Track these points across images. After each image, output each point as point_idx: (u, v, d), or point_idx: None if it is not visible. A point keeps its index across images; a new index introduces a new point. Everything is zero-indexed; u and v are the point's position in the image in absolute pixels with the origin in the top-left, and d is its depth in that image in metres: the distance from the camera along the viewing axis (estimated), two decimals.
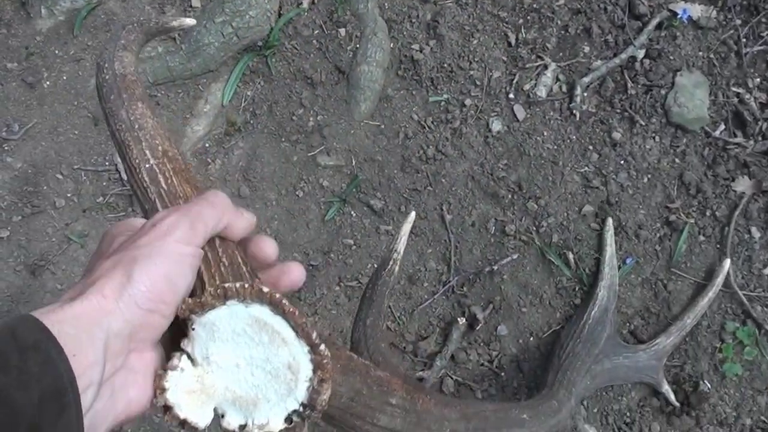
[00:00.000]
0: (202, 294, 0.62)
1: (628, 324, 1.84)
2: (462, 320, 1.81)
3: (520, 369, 1.83)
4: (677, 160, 1.88)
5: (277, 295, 0.60)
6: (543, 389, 1.57)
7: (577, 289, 1.83)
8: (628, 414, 1.82)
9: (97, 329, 0.54)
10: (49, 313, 0.53)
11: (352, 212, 1.87)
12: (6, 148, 1.85)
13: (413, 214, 1.41)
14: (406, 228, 1.39)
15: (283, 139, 1.89)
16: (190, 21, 0.99)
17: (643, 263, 1.84)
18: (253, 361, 0.62)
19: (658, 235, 1.86)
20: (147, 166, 0.75)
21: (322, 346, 0.61)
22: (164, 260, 0.60)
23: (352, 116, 1.89)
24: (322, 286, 1.85)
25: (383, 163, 1.88)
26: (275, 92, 1.91)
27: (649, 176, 1.88)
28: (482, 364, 1.83)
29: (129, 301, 0.57)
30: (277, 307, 0.60)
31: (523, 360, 1.82)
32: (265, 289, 0.60)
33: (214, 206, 0.67)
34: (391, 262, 1.36)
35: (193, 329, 0.62)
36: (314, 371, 0.61)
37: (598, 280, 1.76)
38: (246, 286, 0.60)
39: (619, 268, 1.83)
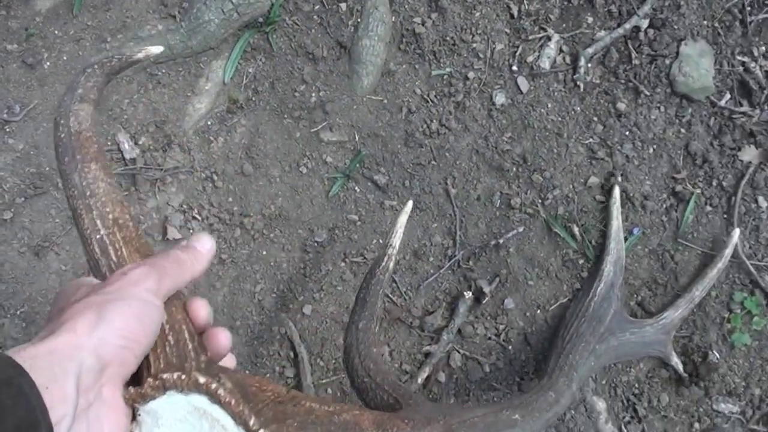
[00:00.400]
0: (144, 384, 0.65)
1: (635, 296, 1.84)
2: (468, 294, 1.81)
3: (527, 342, 1.83)
4: (683, 130, 1.88)
5: (213, 386, 0.65)
6: (543, 377, 1.55)
7: (582, 261, 1.83)
8: (636, 385, 1.82)
9: (69, 363, 0.57)
10: (22, 351, 0.57)
11: (356, 188, 1.87)
12: (8, 129, 1.85)
13: (410, 204, 1.38)
14: (402, 220, 1.36)
15: (285, 116, 1.89)
16: (156, 49, 0.98)
17: (650, 234, 1.84)
18: None
19: (664, 205, 1.86)
20: (98, 236, 0.77)
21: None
22: (136, 303, 0.65)
23: (354, 91, 1.89)
24: (327, 263, 1.85)
25: (386, 138, 1.88)
26: (277, 69, 1.90)
27: (655, 147, 1.87)
28: (489, 338, 1.83)
29: (101, 337, 0.60)
30: (213, 397, 0.65)
31: (530, 333, 1.82)
32: (202, 380, 0.65)
33: (180, 264, 0.73)
34: (386, 258, 1.34)
35: (139, 415, 0.65)
36: None
37: (604, 254, 1.75)
38: (183, 377, 0.65)
39: (626, 239, 1.83)
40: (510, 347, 1.82)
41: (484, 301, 1.82)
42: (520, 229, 1.83)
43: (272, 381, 0.78)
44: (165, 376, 0.65)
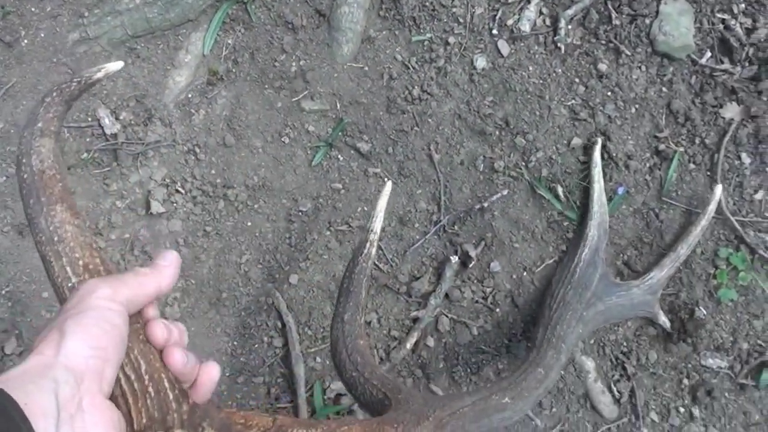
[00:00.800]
0: None
1: (621, 255, 1.85)
2: (455, 258, 1.82)
3: (515, 304, 1.84)
4: (664, 89, 1.89)
5: None
6: (532, 350, 1.55)
7: (567, 223, 1.84)
8: (624, 344, 1.83)
9: (42, 381, 0.59)
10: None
11: (339, 156, 1.88)
12: None
13: (389, 185, 1.37)
14: (382, 204, 1.33)
15: (266, 86, 1.89)
16: (115, 66, 0.94)
17: (635, 193, 1.85)
18: None
19: (647, 164, 1.87)
20: (69, 285, 0.76)
21: None
22: (92, 312, 0.66)
23: (334, 59, 1.89)
24: (313, 232, 1.86)
25: (368, 105, 1.88)
26: (256, 39, 1.90)
27: (637, 106, 1.88)
28: (477, 301, 1.84)
29: (67, 353, 0.61)
30: None
31: (517, 295, 1.83)
32: None
33: (137, 275, 0.74)
34: (367, 245, 1.32)
35: None
36: None
37: (587, 219, 1.76)
38: None
39: (610, 199, 1.84)
40: (497, 309, 1.83)
41: (470, 265, 1.83)
42: (505, 192, 1.84)
43: (259, 413, 0.81)
44: None
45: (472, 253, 1.82)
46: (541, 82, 1.89)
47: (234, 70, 1.91)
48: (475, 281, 1.84)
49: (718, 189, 1.78)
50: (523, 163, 1.86)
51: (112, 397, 0.69)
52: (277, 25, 1.91)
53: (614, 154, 1.85)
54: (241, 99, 1.89)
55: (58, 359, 0.61)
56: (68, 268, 0.76)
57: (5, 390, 0.56)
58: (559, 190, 1.85)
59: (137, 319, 0.75)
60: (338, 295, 1.32)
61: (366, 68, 1.90)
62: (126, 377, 0.70)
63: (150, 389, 0.71)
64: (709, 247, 1.86)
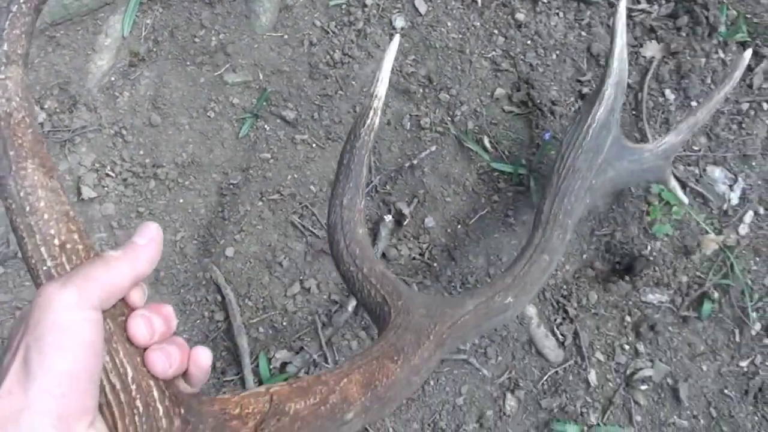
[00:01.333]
0: None
1: None
2: (388, 218, 1.84)
3: (451, 257, 1.86)
4: (583, 33, 1.92)
5: None
6: (537, 226, 1.39)
7: (497, 174, 1.86)
8: (564, 287, 1.85)
9: (15, 429, 0.54)
10: None
11: (266, 126, 1.89)
12: None
13: (397, 38, 1.25)
14: (388, 62, 1.20)
15: (188, 63, 1.91)
16: None
17: (562, 138, 1.87)
18: None
19: (572, 109, 1.89)
20: (44, 268, 0.67)
21: None
22: (56, 334, 0.57)
23: (254, 30, 1.91)
24: (245, 203, 1.87)
25: (291, 73, 1.90)
26: (174, 17, 1.92)
27: (558, 52, 1.91)
28: (414, 258, 1.86)
29: (36, 393, 0.55)
30: None
31: (453, 248, 1.85)
32: None
33: (106, 263, 0.64)
34: (370, 113, 1.18)
35: None
36: None
37: (605, 76, 1.53)
38: None
39: (539, 146, 1.86)
40: (435, 264, 1.85)
41: (405, 223, 1.84)
42: (433, 149, 1.86)
43: (254, 392, 0.76)
44: None
45: (406, 211, 1.84)
46: (460, 36, 1.91)
47: (155, 50, 1.92)
48: (411, 238, 1.86)
49: (748, 53, 1.59)
50: (449, 118, 1.88)
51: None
52: (194, 0, 1.93)
53: (538, 101, 1.88)
54: (164, 78, 1.91)
55: (29, 401, 0.55)
56: (42, 249, 0.66)
57: None
58: (486, 141, 1.87)
59: (121, 310, 0.66)
60: (336, 174, 1.19)
61: (286, 36, 1.92)
62: (111, 386, 0.63)
63: (138, 402, 0.64)
64: (641, 185, 1.88)
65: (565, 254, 1.87)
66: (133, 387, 0.64)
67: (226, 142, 1.89)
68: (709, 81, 1.93)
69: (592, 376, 1.85)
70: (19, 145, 0.69)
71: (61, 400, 0.56)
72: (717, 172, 1.89)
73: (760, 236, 1.89)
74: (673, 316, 1.87)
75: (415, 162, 1.85)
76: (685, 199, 1.77)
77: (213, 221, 1.88)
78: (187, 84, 1.91)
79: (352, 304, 1.84)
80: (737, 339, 1.87)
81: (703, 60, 1.93)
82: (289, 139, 1.89)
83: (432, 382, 1.83)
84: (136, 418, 0.63)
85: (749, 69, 1.94)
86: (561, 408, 1.84)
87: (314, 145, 1.89)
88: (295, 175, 1.88)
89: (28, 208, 0.67)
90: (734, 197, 1.89)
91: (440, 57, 1.90)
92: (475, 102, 1.88)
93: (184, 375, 0.70)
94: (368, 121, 1.18)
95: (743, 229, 1.88)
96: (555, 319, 1.85)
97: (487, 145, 1.86)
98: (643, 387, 1.85)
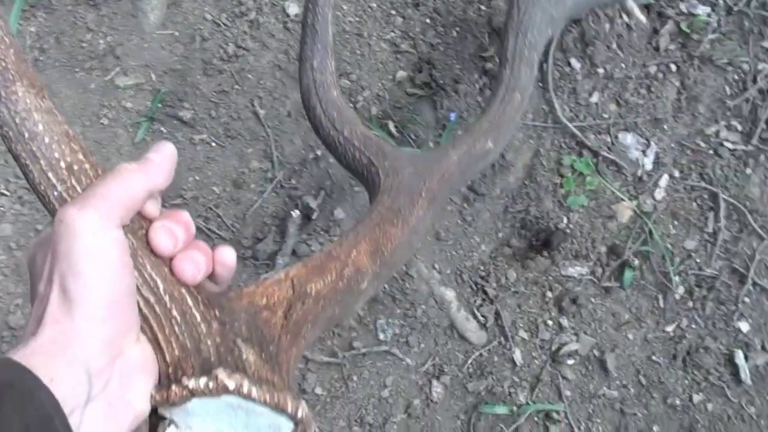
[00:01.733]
0: (169, 391, 0.62)
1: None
2: (296, 213, 1.80)
3: None
4: (483, 7, 1.88)
5: (244, 388, 0.61)
6: (503, 65, 1.36)
7: None
8: (481, 268, 1.83)
9: (70, 353, 0.55)
10: (17, 351, 0.55)
11: (162, 128, 1.84)
12: None
13: None
14: None
15: (76, 69, 1.85)
16: None
17: (468, 117, 1.84)
18: (235, 428, 0.63)
19: (477, 86, 1.86)
20: (56, 194, 0.65)
21: (300, 413, 0.64)
22: (89, 259, 0.58)
23: (142, 29, 1.85)
24: None
25: (184, 71, 1.85)
26: (59, 22, 1.86)
27: (458, 29, 1.87)
28: None
29: (83, 319, 0.57)
30: (247, 396, 0.61)
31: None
32: (231, 385, 0.61)
33: (121, 175, 0.63)
34: None
35: (165, 418, 0.63)
36: (296, 426, 0.65)
37: None
38: (210, 385, 0.60)
39: (444, 126, 1.83)
40: None
41: (313, 217, 1.80)
42: None
43: (275, 279, 0.77)
44: (191, 385, 0.61)
45: (313, 205, 1.80)
46: (357, 19, 1.87)
47: (41, 59, 1.85)
48: (321, 232, 1.82)
49: None
50: (351, 105, 1.84)
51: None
52: (79, 3, 1.86)
53: (442, 81, 1.85)
54: (53, 87, 1.84)
55: (77, 328, 0.56)
56: (50, 174, 0.64)
57: (31, 370, 0.52)
58: (391, 126, 1.83)
59: (140, 224, 0.66)
60: (302, 36, 1.17)
61: (176, 33, 1.86)
62: (144, 300, 0.63)
63: (174, 312, 0.64)
64: (552, 157, 1.86)
65: (480, 234, 1.85)
66: (167, 298, 0.64)
67: (122, 149, 1.83)
68: (614, 47, 1.90)
69: (518, 355, 1.83)
70: (3, 67, 0.65)
71: (108, 324, 0.58)
72: (629, 138, 1.88)
73: (676, 199, 1.88)
74: (595, 287, 1.85)
75: (319, 153, 1.81)
76: (643, 19, 1.70)
77: None
78: (77, 91, 1.85)
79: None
80: (661, 304, 1.86)
81: (608, 26, 1.90)
82: (187, 140, 1.84)
83: (355, 378, 1.80)
84: (176, 328, 0.64)
85: (654, 32, 1.92)
86: (488, 390, 1.82)
87: (214, 144, 1.83)
88: (197, 177, 1.83)
89: (27, 134, 0.65)
90: (648, 162, 1.87)
91: (338, 42, 1.85)
92: (377, 86, 1.84)
93: (211, 276, 0.70)
94: None
95: (659, 194, 1.87)
96: (475, 301, 1.83)
97: (393, 130, 1.82)
98: (570, 361, 1.84)
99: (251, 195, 1.84)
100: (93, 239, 0.58)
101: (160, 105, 1.84)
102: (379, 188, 1.02)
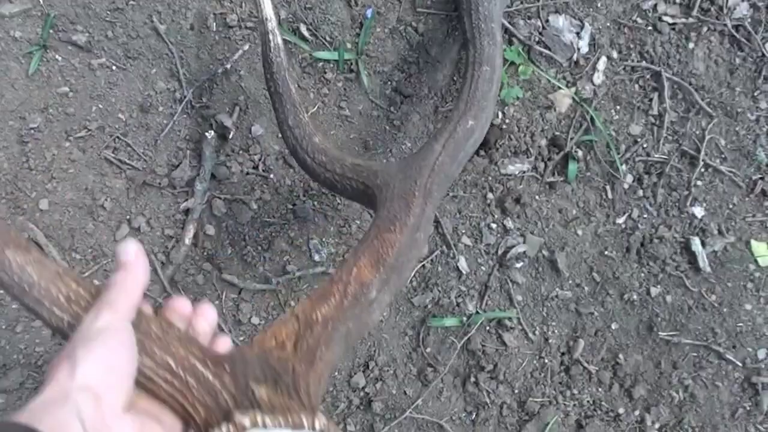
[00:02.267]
0: None
1: (389, 82, 1.73)
2: (211, 133, 1.68)
3: (287, 164, 1.72)
4: None
5: (260, 421, 0.70)
6: (468, 46, 1.48)
7: (321, 64, 1.71)
8: None
9: (64, 407, 0.62)
10: (19, 414, 0.61)
11: (57, 56, 1.71)
12: None
13: None
14: None
15: None
16: None
17: (386, 12, 1.72)
18: None
19: None
20: (67, 324, 0.76)
21: (317, 425, 0.72)
22: (100, 337, 0.70)
23: None
24: (51, 147, 1.70)
25: None
26: None
27: None
28: (247, 173, 1.71)
29: (82, 374, 0.65)
30: (264, 426, 0.70)
31: (288, 154, 1.70)
32: (247, 422, 0.71)
33: (118, 286, 0.77)
34: (270, 37, 1.31)
35: None
36: None
37: None
38: (231, 428, 0.70)
39: (362, 25, 1.70)
40: (271, 175, 1.71)
41: (230, 136, 1.69)
42: (246, 47, 1.70)
43: (281, 320, 0.87)
44: None
45: (228, 123, 1.68)
46: None
47: None
48: (240, 152, 1.71)
49: None
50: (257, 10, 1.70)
51: (166, 405, 0.75)
52: None
53: None
54: None
55: (74, 383, 0.64)
56: (55, 309, 0.76)
57: (30, 425, 0.59)
58: (304, 29, 1.71)
59: (140, 321, 0.78)
60: (272, 104, 1.34)
61: None
62: (164, 380, 0.74)
63: (190, 380, 0.74)
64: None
65: (411, 138, 1.74)
66: (180, 371, 0.75)
67: (16, 83, 1.70)
68: None
69: (463, 263, 1.74)
70: None
71: (103, 379, 0.66)
72: (561, 21, 1.76)
73: (617, 82, 1.78)
74: (538, 184, 1.76)
75: (228, 66, 1.69)
76: None
77: (19, 174, 1.70)
78: None
79: (189, 235, 1.70)
80: (609, 195, 1.77)
81: None
82: (85, 66, 1.71)
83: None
84: (195, 393, 0.74)
85: None
86: (435, 302, 1.74)
87: (114, 67, 1.71)
88: (100, 106, 1.71)
89: (26, 287, 0.76)
90: (583, 45, 1.77)
91: None
92: None
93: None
94: (272, 44, 1.32)
95: (598, 78, 1.77)
96: None
97: (306, 33, 1.70)
98: (519, 264, 1.76)
99: (161, 119, 1.71)
100: (106, 325, 0.72)
101: (51, 31, 1.70)
102: (377, 206, 1.10)
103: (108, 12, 1.72)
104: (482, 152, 1.74)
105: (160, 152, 1.72)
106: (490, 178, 1.75)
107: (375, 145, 1.74)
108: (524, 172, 1.75)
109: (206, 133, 1.69)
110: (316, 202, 1.73)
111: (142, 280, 0.79)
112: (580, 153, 1.76)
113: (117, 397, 0.67)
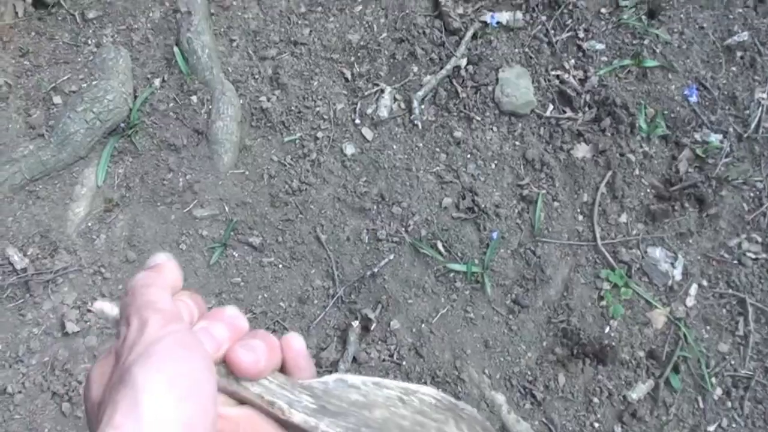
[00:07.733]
0: None
1: (509, 294, 2.79)
2: (356, 323, 2.73)
3: (419, 354, 2.73)
4: (517, 143, 2.94)
5: None
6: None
7: (452, 274, 2.79)
8: (529, 373, 2.71)
9: None
10: None
11: (234, 253, 2.84)
12: None
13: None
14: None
15: (158, 204, 2.89)
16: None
17: (509, 237, 2.83)
18: None
19: (516, 210, 2.87)
20: None
21: None
22: (158, 350, 0.64)
23: (217, 169, 2.91)
24: None
25: (254, 203, 2.88)
26: (144, 164, 2.93)
27: (496, 162, 2.92)
28: (384, 360, 2.73)
29: (150, 419, 0.60)
30: None
31: (420, 346, 2.73)
32: None
33: (146, 287, 0.73)
34: None
35: None
36: None
37: None
38: None
39: (488, 245, 2.81)
40: (404, 363, 2.72)
41: (372, 328, 2.73)
42: (391, 257, 2.80)
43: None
44: None
45: (372, 316, 2.74)
46: (406, 157, 2.93)
47: (128, 195, 2.90)
48: (379, 341, 2.74)
49: None
50: (403, 228, 2.84)
51: None
52: (161, 149, 2.94)
53: (483, 206, 2.85)
54: (138, 219, 2.87)
55: (139, 427, 0.60)
56: None
57: None
58: (440, 245, 2.81)
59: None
60: None
61: (246, 173, 2.92)
62: None
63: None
64: (588, 272, 2.81)
65: (526, 342, 2.76)
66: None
67: (198, 271, 2.82)
68: (636, 172, 2.93)
69: None
70: None
71: (177, 427, 0.62)
72: (657, 252, 2.83)
73: (707, 306, 2.79)
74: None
75: (375, 270, 2.78)
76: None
77: None
78: (158, 222, 2.87)
79: None
80: (701, 405, 2.71)
81: (632, 157, 2.94)
82: (256, 262, 2.83)
83: None
84: None
85: (673, 158, 2.95)
86: None
87: (280, 265, 2.82)
88: (265, 295, 2.79)
89: None
90: (677, 273, 2.82)
91: (389, 176, 2.90)
92: (425, 212, 2.85)
93: (285, 367, 0.78)
94: None
95: (690, 301, 2.79)
96: (524, 404, 2.69)
97: (441, 248, 2.81)
98: None
99: (315, 309, 2.78)
100: (161, 334, 0.66)
101: (232, 233, 2.85)
102: None
103: (280, 222, 2.87)
104: (591, 362, 2.72)
105: (311, 336, 2.76)
106: (598, 385, 2.72)
107: (494, 345, 2.75)
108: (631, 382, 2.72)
109: (352, 323, 2.74)
110: (440, 389, 2.71)
111: (174, 276, 0.77)
112: (681, 367, 2.73)
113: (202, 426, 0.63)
